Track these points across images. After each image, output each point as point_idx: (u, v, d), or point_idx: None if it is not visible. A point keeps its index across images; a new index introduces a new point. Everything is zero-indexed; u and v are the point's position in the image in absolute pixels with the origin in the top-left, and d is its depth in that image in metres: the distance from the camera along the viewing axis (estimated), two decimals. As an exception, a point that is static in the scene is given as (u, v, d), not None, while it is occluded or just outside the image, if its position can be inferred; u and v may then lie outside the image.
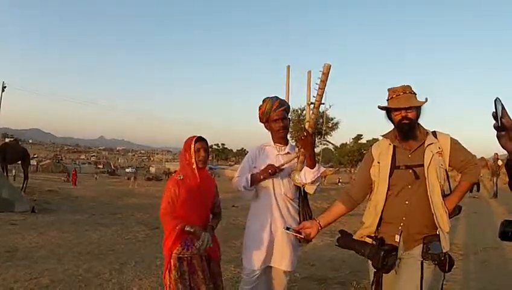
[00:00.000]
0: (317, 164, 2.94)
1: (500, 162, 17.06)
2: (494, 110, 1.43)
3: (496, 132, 1.47)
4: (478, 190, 16.89)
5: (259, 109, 3.17)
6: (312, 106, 2.92)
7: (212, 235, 2.95)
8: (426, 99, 2.44)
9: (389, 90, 2.52)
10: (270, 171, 2.97)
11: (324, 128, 29.08)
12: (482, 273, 5.62)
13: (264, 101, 3.17)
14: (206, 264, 2.94)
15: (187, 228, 2.81)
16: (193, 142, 2.92)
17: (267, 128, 3.22)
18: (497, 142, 1.49)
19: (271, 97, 3.17)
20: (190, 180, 2.91)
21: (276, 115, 3.11)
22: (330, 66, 2.72)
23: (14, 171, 24.02)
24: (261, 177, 3.01)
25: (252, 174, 3.03)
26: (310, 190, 3.00)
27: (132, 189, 25.16)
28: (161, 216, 2.92)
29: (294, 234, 2.56)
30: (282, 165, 3.03)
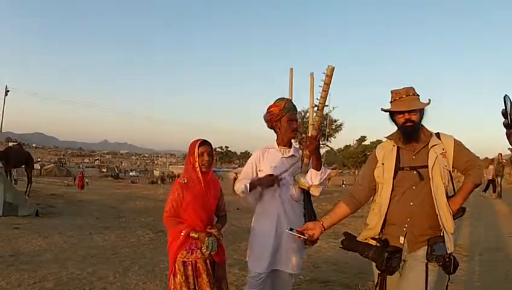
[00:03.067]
0: (322, 166, 2.95)
1: (504, 162, 17.02)
2: (504, 108, 1.40)
3: (505, 129, 1.44)
4: (485, 190, 16.88)
5: (276, 106, 3.14)
6: (316, 108, 2.92)
7: (219, 239, 2.94)
8: (429, 101, 2.44)
9: (392, 92, 2.51)
10: (267, 183, 2.98)
11: (328, 130, 28.99)
12: (487, 274, 5.61)
13: (281, 99, 3.16)
14: (211, 268, 2.94)
15: (192, 234, 2.82)
16: (197, 146, 2.91)
17: (276, 128, 3.18)
18: (506, 139, 1.46)
19: (286, 98, 3.18)
20: (194, 184, 2.91)
21: (293, 116, 3.13)
22: (334, 68, 2.72)
23: (15, 174, 23.98)
24: (259, 186, 3.02)
25: (251, 182, 3.04)
26: (315, 191, 3.00)
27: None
28: (164, 219, 2.93)
29: (298, 235, 2.56)
30: (281, 173, 3.01)
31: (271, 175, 2.99)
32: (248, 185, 3.02)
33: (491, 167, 16.64)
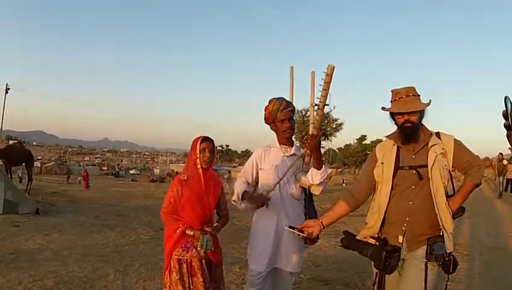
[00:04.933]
0: (323, 165, 2.94)
1: (505, 162, 17.00)
2: (504, 109, 1.40)
3: (506, 131, 1.43)
4: (506, 189, 16.97)
5: (266, 109, 3.17)
6: (316, 107, 2.92)
7: (215, 238, 2.92)
8: (430, 102, 2.43)
9: (392, 91, 2.50)
10: (258, 203, 2.92)
11: (328, 129, 28.99)
12: (486, 273, 5.61)
13: (270, 101, 3.16)
14: (208, 268, 2.92)
15: (188, 231, 2.81)
16: (199, 143, 2.90)
17: (273, 129, 3.21)
18: (507, 141, 1.45)
19: (278, 98, 3.17)
20: (194, 180, 2.90)
21: (283, 115, 3.11)
22: (334, 67, 2.72)
23: (19, 172, 24.02)
24: (250, 202, 2.96)
25: (244, 192, 3.01)
26: (316, 191, 2.99)
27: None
28: (162, 216, 2.93)
29: (297, 232, 2.56)
30: (272, 190, 2.99)
31: (262, 195, 2.96)
32: (240, 196, 3.01)
33: (511, 166, 16.76)
